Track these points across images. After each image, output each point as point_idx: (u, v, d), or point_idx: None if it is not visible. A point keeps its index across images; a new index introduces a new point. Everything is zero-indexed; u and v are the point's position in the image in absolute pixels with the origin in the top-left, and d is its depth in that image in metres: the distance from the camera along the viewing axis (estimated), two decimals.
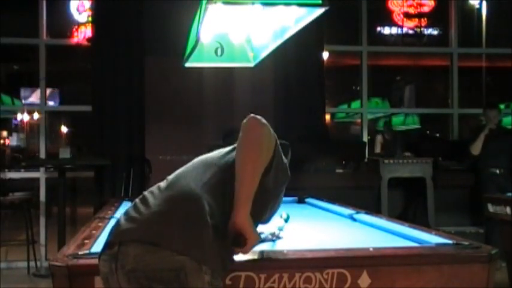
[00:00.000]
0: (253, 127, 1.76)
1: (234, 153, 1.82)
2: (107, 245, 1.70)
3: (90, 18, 6.63)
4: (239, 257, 1.85)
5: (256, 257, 1.93)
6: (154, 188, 1.83)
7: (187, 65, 3.81)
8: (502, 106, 6.94)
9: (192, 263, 1.59)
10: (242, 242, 1.73)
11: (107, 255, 1.69)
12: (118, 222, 1.75)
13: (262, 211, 1.87)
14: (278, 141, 1.83)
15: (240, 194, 1.71)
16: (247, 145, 1.74)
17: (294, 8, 2.69)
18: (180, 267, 1.58)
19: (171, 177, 1.87)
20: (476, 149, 6.00)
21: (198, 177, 1.79)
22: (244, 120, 1.78)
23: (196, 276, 1.60)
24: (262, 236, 2.16)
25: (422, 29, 8.95)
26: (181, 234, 1.62)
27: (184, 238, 1.61)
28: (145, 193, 1.82)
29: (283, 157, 1.90)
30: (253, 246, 1.79)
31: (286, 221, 2.69)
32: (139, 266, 1.60)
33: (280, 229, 2.47)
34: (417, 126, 10.50)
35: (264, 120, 1.78)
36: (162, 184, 1.83)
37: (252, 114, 1.80)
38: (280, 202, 2.03)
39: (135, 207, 1.76)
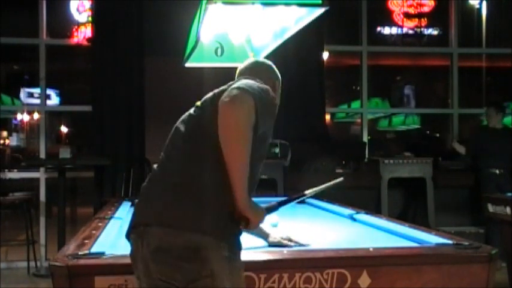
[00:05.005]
0: (227, 115, 1.73)
1: (206, 111, 1.86)
2: (133, 225, 1.84)
3: (90, 18, 6.62)
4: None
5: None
6: (163, 167, 1.90)
7: (187, 65, 3.82)
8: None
9: (211, 241, 1.71)
10: (246, 223, 1.82)
11: (134, 233, 1.83)
12: (141, 203, 1.89)
13: (262, 153, 1.90)
14: (259, 95, 1.78)
15: (235, 182, 1.74)
16: (228, 136, 1.74)
17: (294, 8, 2.69)
18: (201, 246, 1.70)
19: (171, 162, 1.89)
20: (462, 151, 6.20)
21: (195, 157, 1.82)
22: (221, 101, 1.75)
23: (216, 253, 1.71)
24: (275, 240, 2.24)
25: (422, 29, 8.94)
26: (200, 216, 1.73)
27: (203, 219, 1.73)
28: (157, 172, 1.91)
29: (268, 96, 1.85)
30: (261, 221, 1.88)
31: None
32: (164, 246, 1.72)
33: (274, 225, 2.50)
34: (417, 126, 10.51)
35: (239, 98, 1.74)
36: (168, 164, 1.89)
37: (224, 98, 1.75)
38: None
39: (153, 186, 1.88)
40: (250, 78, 1.94)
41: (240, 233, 1.85)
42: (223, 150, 1.74)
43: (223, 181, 1.75)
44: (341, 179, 2.20)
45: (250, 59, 2.29)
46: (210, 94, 1.93)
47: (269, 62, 2.21)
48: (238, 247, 1.80)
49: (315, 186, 2.15)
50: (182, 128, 1.92)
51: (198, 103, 1.95)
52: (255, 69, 2.10)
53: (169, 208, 1.76)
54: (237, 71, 2.16)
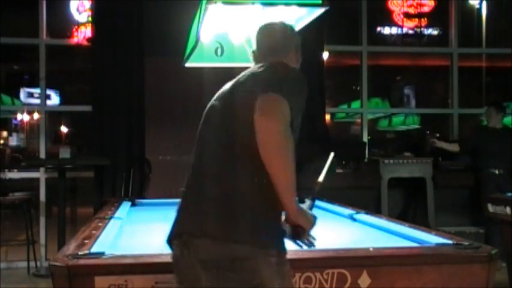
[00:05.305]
0: (266, 129, 1.67)
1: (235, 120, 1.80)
2: (176, 233, 1.82)
3: (90, 18, 6.62)
4: None
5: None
6: (199, 172, 1.86)
7: (187, 65, 3.82)
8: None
9: (259, 250, 1.70)
10: (301, 232, 1.84)
11: (177, 240, 1.81)
12: (183, 211, 1.84)
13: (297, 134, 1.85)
14: (290, 89, 1.73)
15: (283, 194, 1.72)
16: (270, 150, 1.68)
17: (294, 8, 2.69)
18: (249, 256, 1.69)
19: (211, 166, 1.84)
20: (454, 149, 6.18)
21: (233, 163, 1.78)
22: (256, 116, 1.68)
23: (265, 261, 1.70)
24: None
25: (422, 29, 8.94)
26: (245, 227, 1.72)
27: (249, 230, 1.72)
28: (195, 177, 1.86)
29: (298, 85, 1.80)
30: (313, 226, 1.89)
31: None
32: (212, 257, 1.71)
33: None
34: (417, 126, 10.51)
35: (273, 108, 1.68)
36: (205, 170, 1.84)
37: (258, 111, 1.68)
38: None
39: (193, 194, 1.83)
40: (275, 58, 1.89)
41: (284, 235, 1.83)
42: (267, 164, 1.69)
43: (266, 187, 1.72)
44: (332, 153, 2.24)
45: (264, 26, 2.04)
46: (229, 87, 1.90)
47: (284, 26, 2.02)
48: (284, 249, 1.80)
49: (315, 186, 2.17)
50: (211, 127, 1.90)
51: (227, 86, 1.91)
52: (275, 48, 1.97)
53: (215, 220, 1.74)
54: (257, 41, 2.01)
